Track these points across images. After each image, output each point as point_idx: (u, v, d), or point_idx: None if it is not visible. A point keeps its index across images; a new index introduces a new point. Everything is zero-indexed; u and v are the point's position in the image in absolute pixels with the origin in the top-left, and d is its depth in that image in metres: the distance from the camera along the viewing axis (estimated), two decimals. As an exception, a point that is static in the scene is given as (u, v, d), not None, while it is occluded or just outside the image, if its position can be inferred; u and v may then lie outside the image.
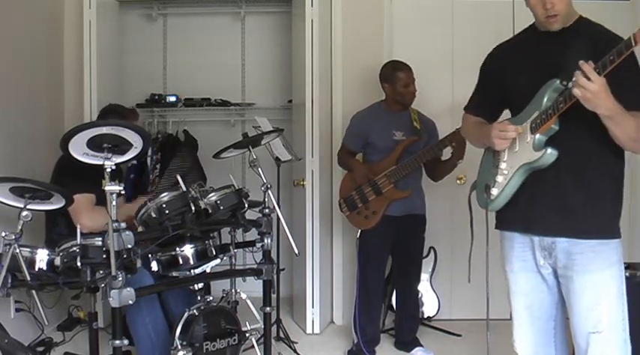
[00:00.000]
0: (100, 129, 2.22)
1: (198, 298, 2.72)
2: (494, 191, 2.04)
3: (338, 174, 3.95)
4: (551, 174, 1.92)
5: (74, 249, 2.51)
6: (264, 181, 2.89)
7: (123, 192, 2.34)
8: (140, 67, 4.77)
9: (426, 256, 3.96)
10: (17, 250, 2.44)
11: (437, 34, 4.18)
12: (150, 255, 2.68)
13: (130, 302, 2.28)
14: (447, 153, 3.48)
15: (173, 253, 2.70)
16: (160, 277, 2.80)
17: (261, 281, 2.90)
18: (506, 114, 2.17)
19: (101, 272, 2.42)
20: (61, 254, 2.56)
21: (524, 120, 1.95)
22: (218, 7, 4.79)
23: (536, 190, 1.97)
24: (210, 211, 2.73)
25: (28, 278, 2.49)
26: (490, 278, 2.12)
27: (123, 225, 2.27)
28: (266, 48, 4.87)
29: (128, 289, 2.26)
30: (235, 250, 2.97)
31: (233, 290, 3.05)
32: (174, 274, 2.75)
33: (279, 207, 3.01)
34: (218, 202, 2.75)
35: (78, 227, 2.57)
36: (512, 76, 2.06)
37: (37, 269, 2.58)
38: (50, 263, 2.60)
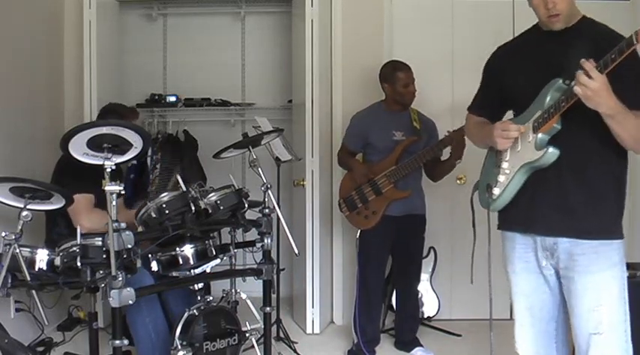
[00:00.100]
0: (100, 129, 2.22)
1: (198, 298, 2.72)
2: (496, 190, 2.04)
3: (338, 174, 3.95)
4: (552, 173, 1.92)
5: (74, 249, 2.50)
6: (264, 181, 2.89)
7: (123, 192, 2.33)
8: (140, 67, 4.77)
9: (426, 256, 3.96)
10: (17, 250, 2.44)
11: (437, 34, 4.18)
12: (150, 255, 2.68)
13: (130, 302, 2.28)
14: (446, 153, 3.49)
15: (173, 253, 2.70)
16: (160, 277, 2.79)
17: (261, 281, 2.90)
18: (510, 114, 2.17)
19: (101, 272, 2.42)
20: (61, 254, 2.56)
21: (526, 119, 1.94)
22: (218, 7, 4.79)
23: (537, 190, 1.97)
24: (210, 211, 2.73)
25: (28, 278, 2.49)
26: (494, 278, 2.12)
27: (123, 225, 2.27)
28: (266, 48, 4.87)
29: (128, 289, 2.26)
30: (235, 250, 2.96)
31: (233, 290, 3.05)
32: (174, 274, 2.75)
33: (279, 207, 3.01)
34: (218, 202, 2.75)
35: (78, 227, 2.57)
36: (514, 76, 2.06)
37: (37, 269, 2.58)
38: (50, 263, 2.60)
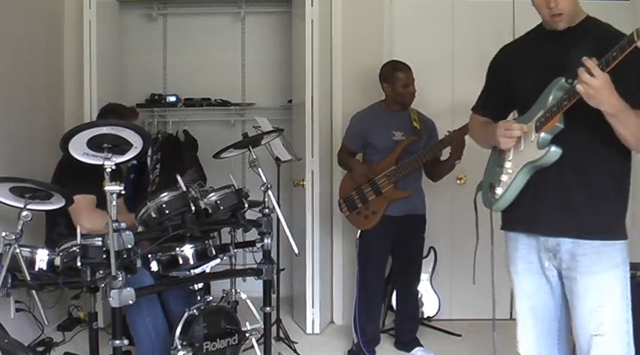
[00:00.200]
0: (100, 129, 2.22)
1: (198, 298, 2.72)
2: (499, 190, 2.03)
3: (338, 174, 3.95)
4: (554, 173, 1.91)
5: (74, 249, 2.51)
6: (264, 181, 2.89)
7: (123, 192, 2.33)
8: (140, 67, 4.77)
9: (426, 256, 3.96)
10: (17, 250, 2.44)
11: (437, 34, 4.18)
12: (150, 255, 2.68)
13: (130, 302, 2.27)
14: (446, 153, 3.49)
15: (173, 253, 2.70)
16: (160, 277, 2.79)
17: (261, 281, 2.89)
18: (514, 115, 2.17)
19: (101, 272, 2.42)
20: (61, 254, 2.56)
21: (529, 119, 1.94)
22: (218, 7, 4.79)
23: (539, 189, 1.96)
24: (210, 211, 2.73)
25: (28, 278, 2.49)
26: (495, 278, 2.12)
27: (123, 225, 2.26)
28: (266, 48, 4.87)
29: (128, 289, 2.26)
30: (235, 250, 2.97)
31: (233, 290, 3.05)
32: (174, 274, 2.75)
33: (279, 207, 3.01)
34: (218, 202, 2.75)
35: (78, 227, 2.57)
36: (518, 76, 2.05)
37: (37, 269, 2.58)
38: (50, 263, 2.60)
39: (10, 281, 2.51)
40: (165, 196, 2.63)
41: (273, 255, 3.02)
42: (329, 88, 4.17)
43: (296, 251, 2.91)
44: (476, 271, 2.38)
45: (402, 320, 3.67)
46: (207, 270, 2.79)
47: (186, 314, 2.63)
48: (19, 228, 2.47)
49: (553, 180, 1.93)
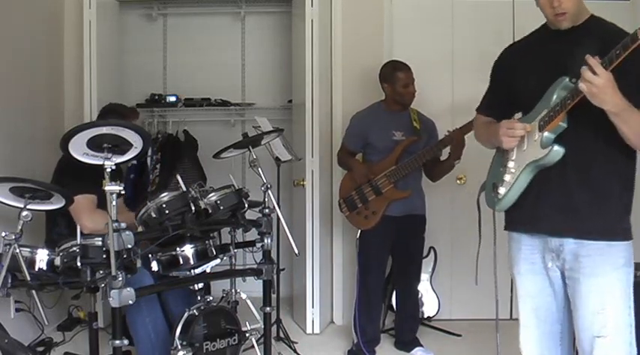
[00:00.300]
0: (100, 129, 2.22)
1: (198, 298, 2.72)
2: (502, 190, 2.02)
3: (338, 174, 3.95)
4: (556, 172, 1.91)
5: (74, 249, 2.51)
6: (264, 181, 2.89)
7: (123, 193, 2.33)
8: (140, 67, 4.77)
9: (426, 256, 3.96)
10: (17, 250, 2.44)
11: (437, 34, 4.18)
12: (150, 255, 2.68)
13: (130, 302, 2.28)
14: (445, 153, 3.49)
15: (173, 253, 2.70)
16: (160, 277, 2.80)
17: (261, 281, 2.90)
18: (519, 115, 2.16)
19: (101, 272, 2.42)
20: (61, 254, 2.56)
21: (533, 118, 1.93)
22: (218, 7, 4.79)
23: (542, 189, 1.95)
24: (210, 211, 2.73)
25: (28, 278, 2.49)
26: (492, 278, 2.12)
27: (123, 225, 2.27)
28: (266, 48, 4.87)
29: (128, 289, 2.26)
30: (235, 250, 2.97)
31: (233, 290, 3.05)
32: (174, 274, 2.75)
33: (279, 207, 3.01)
34: (218, 202, 2.75)
35: (78, 227, 2.57)
36: (522, 76, 2.04)
37: (37, 269, 2.58)
38: (50, 263, 2.60)
39: (10, 281, 2.51)
40: (165, 196, 2.63)
41: (273, 255, 3.02)
42: (329, 88, 4.17)
43: (296, 251, 2.91)
44: (479, 271, 2.37)
45: (402, 320, 3.67)
46: (208, 270, 2.79)
47: (186, 314, 2.63)
48: (19, 228, 2.47)
49: (556, 179, 1.92)
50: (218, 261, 2.80)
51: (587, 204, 1.90)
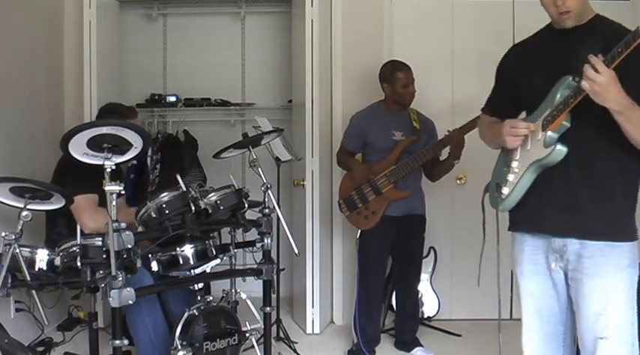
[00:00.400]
0: (100, 129, 2.22)
1: (198, 298, 2.72)
2: (505, 190, 2.01)
3: (338, 174, 3.95)
4: (559, 172, 1.90)
5: (74, 249, 2.51)
6: (264, 181, 2.89)
7: (123, 193, 2.33)
8: (140, 67, 4.77)
9: (426, 256, 3.96)
10: (17, 250, 2.44)
11: (437, 34, 4.18)
12: (150, 255, 2.68)
13: (130, 302, 2.28)
14: (445, 153, 3.49)
15: (173, 253, 2.70)
16: (160, 277, 2.80)
17: (261, 281, 2.90)
18: (524, 115, 2.15)
19: (101, 272, 2.42)
20: (61, 254, 2.56)
21: (537, 118, 1.92)
22: (218, 7, 4.79)
23: (545, 188, 1.94)
24: (210, 211, 2.73)
25: (28, 278, 2.49)
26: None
27: (123, 225, 2.27)
28: (266, 48, 4.87)
29: (128, 289, 2.26)
30: (235, 250, 2.97)
31: (233, 290, 3.05)
32: (174, 274, 2.75)
33: (279, 207, 3.01)
34: (218, 202, 2.75)
35: (78, 227, 2.57)
36: (526, 76, 2.03)
37: (37, 269, 2.58)
38: (50, 263, 2.60)
39: (10, 281, 2.51)
40: (165, 196, 2.63)
41: (273, 255, 3.02)
42: (329, 88, 4.17)
43: (296, 251, 2.91)
44: (477, 271, 2.37)
45: (402, 320, 3.67)
46: (208, 270, 2.79)
47: (186, 314, 2.63)
48: (19, 228, 2.47)
49: (559, 179, 1.91)
50: (218, 261, 2.80)
51: (589, 203, 1.88)
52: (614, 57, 1.65)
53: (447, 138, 3.39)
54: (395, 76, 3.47)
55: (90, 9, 3.93)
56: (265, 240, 2.88)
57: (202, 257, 2.72)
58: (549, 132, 1.86)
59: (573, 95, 1.79)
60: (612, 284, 1.88)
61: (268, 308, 2.90)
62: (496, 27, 4.05)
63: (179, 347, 2.55)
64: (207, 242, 2.75)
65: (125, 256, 2.28)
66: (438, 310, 4.06)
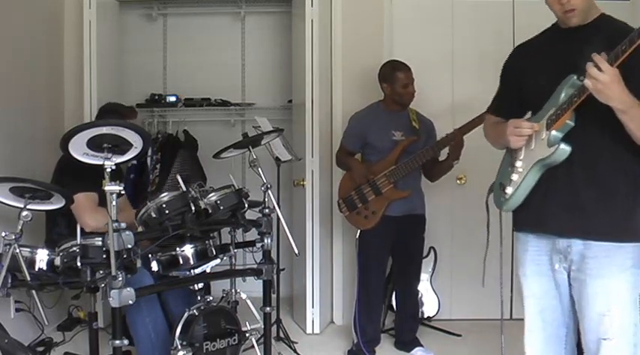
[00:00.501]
0: (100, 129, 2.22)
1: (198, 298, 2.72)
2: (509, 190, 2.00)
3: (338, 174, 3.95)
4: (563, 171, 1.89)
5: (74, 249, 2.51)
6: (264, 181, 2.89)
7: (123, 193, 2.33)
8: (140, 67, 4.77)
9: (426, 256, 3.96)
10: (17, 250, 2.44)
11: (437, 34, 4.18)
12: (150, 255, 2.68)
13: (130, 302, 2.28)
14: (444, 153, 3.48)
15: (173, 253, 2.70)
16: (160, 277, 2.80)
17: (261, 281, 2.90)
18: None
19: (101, 272, 2.42)
20: (61, 254, 2.56)
21: (541, 117, 1.91)
22: (218, 7, 4.79)
23: (549, 188, 1.93)
24: (210, 211, 2.73)
25: (28, 278, 2.49)
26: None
27: (123, 225, 2.27)
28: (266, 48, 4.87)
29: (128, 289, 2.26)
30: (235, 250, 2.97)
31: (233, 290, 3.05)
32: (174, 274, 2.75)
33: (279, 207, 3.01)
34: (218, 202, 2.75)
35: (78, 227, 2.57)
36: (532, 76, 2.02)
37: (37, 269, 2.58)
38: (50, 263, 2.60)
39: (10, 281, 2.51)
40: (165, 196, 2.63)
41: (273, 255, 3.02)
42: (329, 88, 4.17)
43: (296, 251, 2.91)
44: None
45: (402, 320, 3.67)
46: (208, 270, 2.79)
47: (186, 314, 2.63)
48: (19, 228, 2.47)
49: (562, 178, 1.90)
50: (218, 261, 2.80)
51: (593, 202, 1.87)
52: (618, 55, 1.64)
53: (446, 138, 3.38)
54: (395, 75, 3.47)
55: (90, 9, 3.93)
56: (265, 240, 2.88)
57: (202, 257, 2.72)
58: (553, 132, 1.85)
59: (577, 94, 1.78)
60: (616, 285, 1.87)
61: (268, 308, 2.90)
62: (496, 27, 4.05)
63: (179, 347, 2.55)
64: (207, 242, 2.75)
65: (125, 256, 2.28)
66: (438, 310, 4.06)
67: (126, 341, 2.34)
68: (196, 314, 2.64)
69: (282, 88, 4.76)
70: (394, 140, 3.46)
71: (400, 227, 3.46)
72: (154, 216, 2.62)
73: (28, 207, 2.51)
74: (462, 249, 4.12)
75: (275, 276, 3.04)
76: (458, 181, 4.03)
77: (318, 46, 3.89)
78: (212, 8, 4.78)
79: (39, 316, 2.97)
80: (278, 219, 3.00)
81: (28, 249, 2.59)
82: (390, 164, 3.42)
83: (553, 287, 2.00)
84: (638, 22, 1.74)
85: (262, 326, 2.91)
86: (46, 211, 2.88)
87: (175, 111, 4.71)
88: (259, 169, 2.91)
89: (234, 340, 2.73)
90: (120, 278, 2.23)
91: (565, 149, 1.85)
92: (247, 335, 2.80)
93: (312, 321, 3.97)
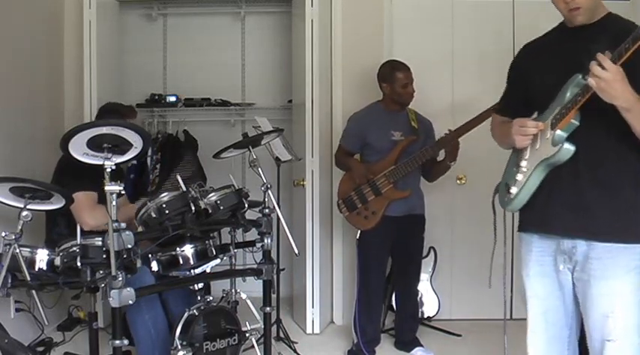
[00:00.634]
0: (100, 129, 2.22)
1: (198, 298, 2.72)
2: (514, 190, 1.99)
3: (338, 174, 3.94)
4: (568, 171, 1.88)
5: (74, 249, 2.51)
6: (264, 181, 2.89)
7: (123, 193, 2.33)
8: (140, 67, 4.77)
9: (426, 256, 3.96)
10: (17, 250, 2.44)
11: (437, 34, 4.18)
12: (150, 255, 2.68)
13: (130, 302, 2.28)
14: (442, 154, 3.48)
15: (173, 253, 2.70)
16: (160, 277, 2.79)
17: (261, 281, 2.90)
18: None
19: (101, 272, 2.42)
20: (61, 254, 2.56)
21: (547, 117, 1.90)
22: (218, 7, 4.79)
23: (554, 188, 1.92)
24: (210, 211, 2.73)
25: (28, 278, 2.49)
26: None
27: (123, 225, 2.27)
28: (266, 48, 4.87)
29: (128, 289, 2.26)
30: (235, 250, 2.97)
31: (233, 290, 3.05)
32: (175, 274, 2.75)
33: (279, 207, 3.01)
34: (218, 202, 2.75)
35: (78, 226, 2.57)
36: (538, 76, 2.01)
37: (37, 269, 2.58)
38: (50, 263, 2.60)
39: (10, 281, 2.51)
40: (165, 196, 2.63)
41: (273, 255, 3.02)
42: (329, 88, 4.17)
43: (296, 251, 2.91)
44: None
45: (402, 320, 3.67)
46: (208, 270, 2.79)
47: (186, 314, 2.63)
48: (19, 228, 2.47)
49: (567, 178, 1.89)
50: (218, 261, 2.80)
51: (597, 201, 1.86)
52: (622, 53, 1.63)
53: (445, 138, 3.38)
54: (394, 75, 3.46)
55: (90, 9, 3.93)
56: (265, 240, 2.88)
57: (202, 257, 2.73)
58: (558, 131, 1.84)
59: (581, 93, 1.77)
60: (620, 287, 1.86)
61: (268, 308, 2.90)
62: (496, 27, 4.05)
63: (179, 347, 2.56)
64: (207, 242, 2.75)
65: (125, 256, 2.28)
66: (438, 310, 4.06)
67: (126, 341, 2.34)
68: (196, 314, 2.64)
69: (282, 88, 4.75)
70: (393, 140, 3.46)
71: (400, 227, 3.46)
72: (154, 216, 2.62)
73: (28, 207, 2.51)
74: (462, 249, 4.12)
75: (275, 276, 3.04)
76: (458, 181, 4.03)
77: (318, 46, 3.89)
78: (212, 8, 4.77)
79: (39, 316, 2.97)
80: (278, 219, 3.00)
81: (28, 249, 2.59)
82: (389, 164, 3.41)
83: (557, 288, 1.99)
84: (638, 22, 1.73)
85: (262, 326, 2.91)
86: (46, 211, 2.88)
87: (175, 111, 4.71)
88: (259, 169, 2.91)
89: (234, 340, 2.74)
90: (120, 278, 2.23)
91: (569, 148, 1.84)
92: (247, 335, 2.80)
93: (312, 321, 3.97)
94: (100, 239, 2.44)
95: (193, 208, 2.64)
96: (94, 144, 2.23)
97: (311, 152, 3.93)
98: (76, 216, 2.95)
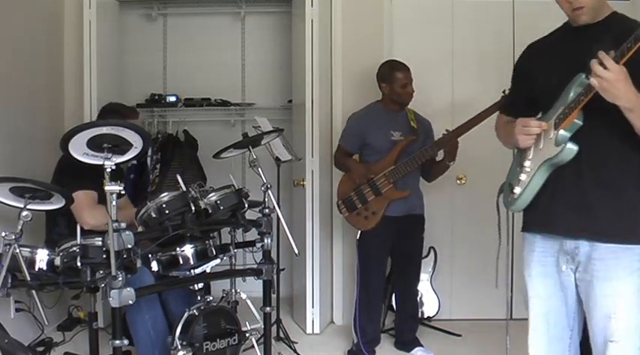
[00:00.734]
0: (100, 129, 2.22)
1: (198, 298, 2.72)
2: (517, 189, 1.99)
3: (338, 174, 3.94)
4: (571, 171, 1.87)
5: (74, 249, 2.51)
6: (264, 181, 2.89)
7: (124, 193, 2.33)
8: (140, 67, 4.77)
9: (426, 256, 3.96)
10: (17, 250, 2.44)
11: (437, 34, 4.18)
12: (150, 255, 2.68)
13: (130, 302, 2.28)
14: (441, 154, 3.48)
15: (173, 253, 2.70)
16: (160, 277, 2.80)
17: (261, 281, 2.90)
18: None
19: (101, 272, 2.42)
20: (61, 254, 2.56)
21: (550, 117, 1.90)
22: (218, 7, 4.79)
23: (557, 188, 1.92)
24: (210, 211, 2.73)
25: (28, 278, 2.49)
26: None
27: (123, 225, 2.27)
28: (266, 48, 4.87)
29: (128, 289, 2.26)
30: (235, 250, 2.97)
31: (233, 290, 3.05)
32: (174, 274, 2.75)
33: (279, 207, 3.01)
34: (218, 202, 2.75)
35: (78, 226, 2.57)
36: (543, 76, 2.01)
37: (37, 269, 2.58)
38: (50, 263, 2.60)
39: (10, 281, 2.51)
40: (165, 196, 2.63)
41: (273, 255, 3.02)
42: (329, 88, 4.17)
43: (296, 251, 2.91)
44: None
45: (402, 320, 3.67)
46: (208, 270, 2.79)
47: (186, 314, 2.63)
48: (19, 228, 2.47)
49: (570, 178, 1.89)
50: (218, 261, 2.80)
51: (600, 202, 1.86)
52: (624, 52, 1.63)
53: (444, 138, 3.38)
54: (393, 75, 3.46)
55: (90, 9, 3.93)
56: (265, 240, 2.88)
57: (202, 257, 2.73)
58: (561, 131, 1.84)
59: (584, 93, 1.76)
60: (623, 288, 1.86)
61: (268, 308, 2.90)
62: (496, 27, 4.05)
63: (179, 347, 2.56)
64: (207, 242, 2.75)
65: (125, 256, 2.28)
66: (438, 310, 4.06)
67: (126, 341, 2.34)
68: (196, 314, 2.64)
69: (282, 87, 4.76)
70: (393, 140, 3.46)
71: (400, 227, 3.46)
72: (154, 216, 2.62)
73: (28, 207, 2.51)
74: (462, 249, 4.12)
75: (275, 276, 3.04)
76: (458, 181, 4.04)
77: (318, 46, 3.89)
78: (212, 8, 4.78)
79: (39, 316, 2.97)
80: (278, 219, 3.00)
81: (28, 249, 2.59)
82: (389, 164, 3.41)
83: (558, 289, 1.99)
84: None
85: (262, 326, 2.91)
86: (46, 211, 2.88)
87: (175, 111, 4.71)
88: (259, 169, 2.91)
89: (234, 340, 2.74)
90: (120, 278, 2.23)
91: (572, 148, 1.83)
92: (247, 335, 2.80)
93: (312, 321, 3.97)
94: (100, 239, 2.44)
95: (193, 208, 2.64)
96: (94, 144, 2.23)
97: (311, 152, 3.93)
98: (76, 216, 2.95)
